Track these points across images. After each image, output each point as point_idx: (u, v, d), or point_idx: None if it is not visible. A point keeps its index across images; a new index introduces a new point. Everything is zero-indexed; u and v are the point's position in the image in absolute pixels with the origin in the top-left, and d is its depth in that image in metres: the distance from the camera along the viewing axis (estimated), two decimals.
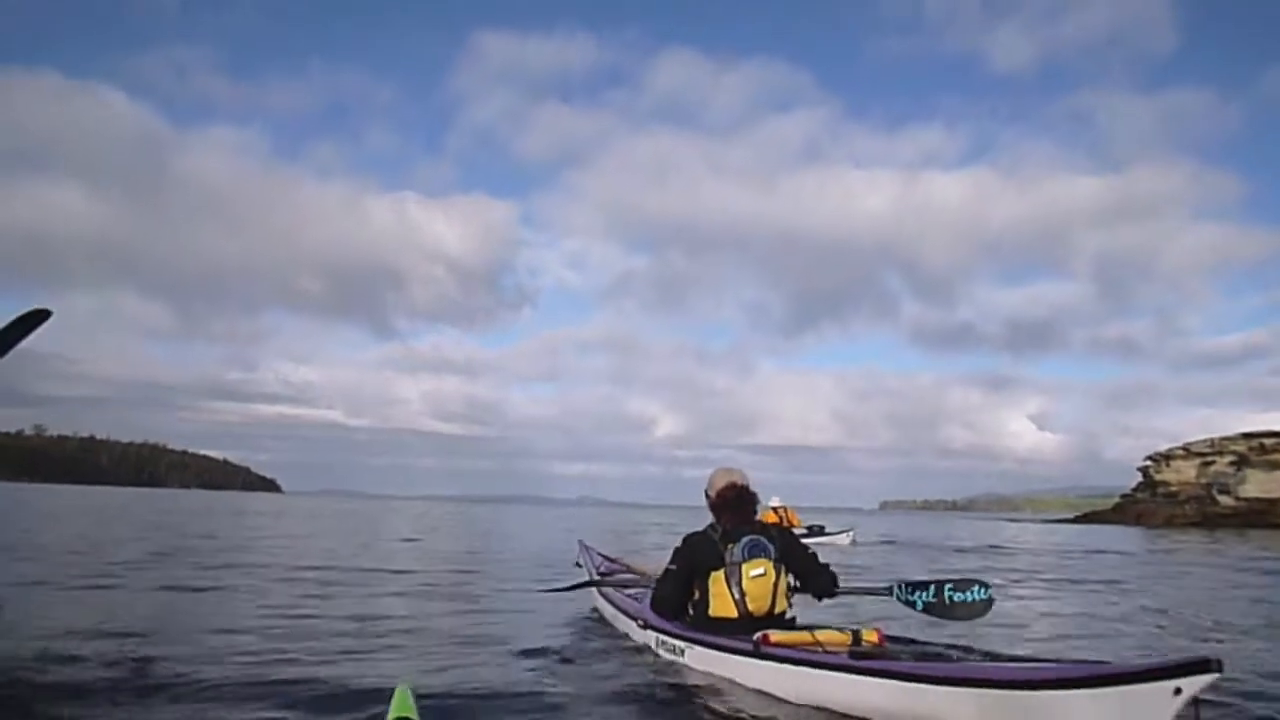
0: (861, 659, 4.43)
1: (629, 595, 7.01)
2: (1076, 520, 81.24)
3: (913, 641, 5.20)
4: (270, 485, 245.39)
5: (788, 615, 5.40)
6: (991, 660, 4.64)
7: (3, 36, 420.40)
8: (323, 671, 5.15)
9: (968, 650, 5.03)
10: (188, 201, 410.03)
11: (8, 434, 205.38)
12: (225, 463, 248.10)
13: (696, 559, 5.40)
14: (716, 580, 5.29)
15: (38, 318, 5.98)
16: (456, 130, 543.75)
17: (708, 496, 5.72)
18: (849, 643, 4.81)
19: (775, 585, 5.30)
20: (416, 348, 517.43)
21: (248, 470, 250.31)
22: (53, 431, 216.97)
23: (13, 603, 7.48)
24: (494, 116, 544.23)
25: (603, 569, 8.33)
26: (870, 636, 4.91)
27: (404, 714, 2.40)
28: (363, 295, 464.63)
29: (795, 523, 22.29)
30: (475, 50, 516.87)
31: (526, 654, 6.07)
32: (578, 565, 9.03)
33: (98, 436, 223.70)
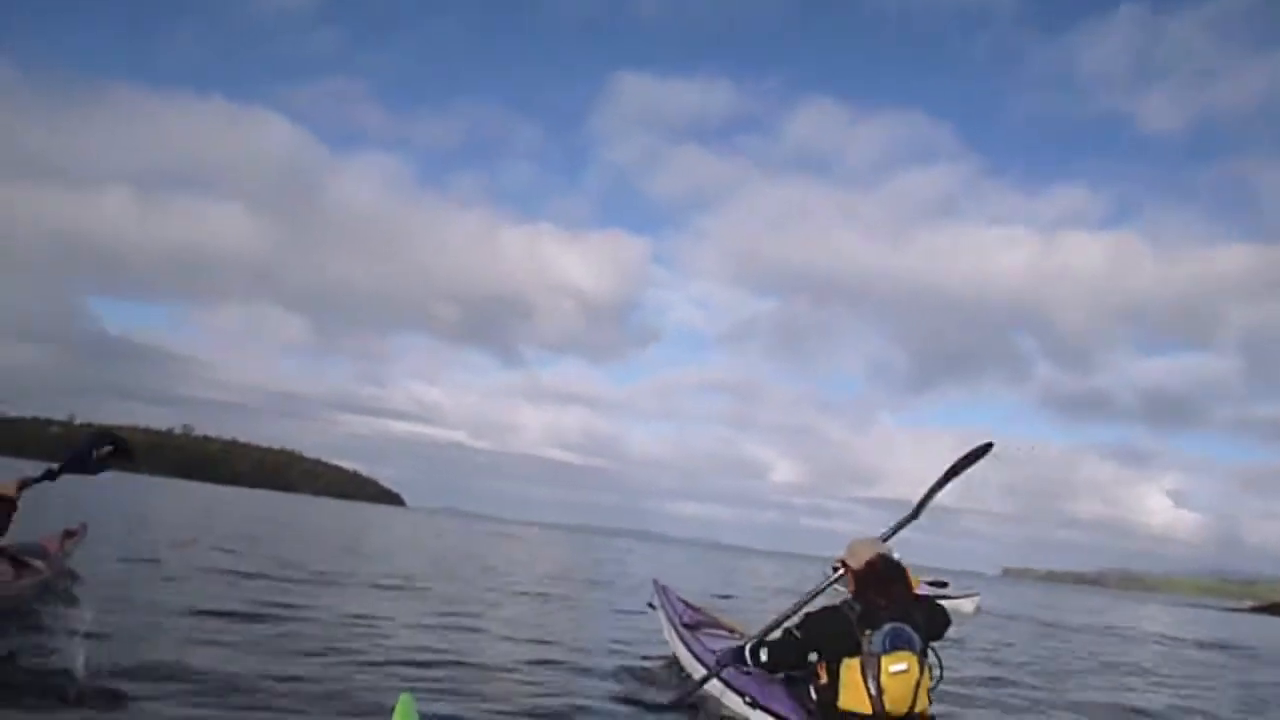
0: None
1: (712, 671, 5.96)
2: (1255, 610, 74.65)
3: None
4: (395, 499, 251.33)
5: (928, 715, 4.68)
6: None
7: (177, 65, 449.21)
8: (357, 680, 5.01)
9: None
10: (335, 222, 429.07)
11: (159, 432, 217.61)
12: (354, 474, 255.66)
13: (825, 638, 4.74)
14: (850, 669, 4.58)
15: (122, 455, 6.67)
16: (594, 167, 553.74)
17: (847, 567, 5.06)
18: None
19: (918, 683, 4.56)
20: (541, 377, 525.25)
21: (375, 483, 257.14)
22: (199, 432, 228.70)
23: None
24: (631, 155, 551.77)
25: (685, 618, 7.43)
26: None
27: None
28: (493, 323, 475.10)
29: (913, 582, 21.13)
30: (616, 91, 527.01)
31: (585, 688, 5.80)
32: (651, 607, 8.17)
33: (239, 440, 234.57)
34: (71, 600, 6.99)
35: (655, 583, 8.59)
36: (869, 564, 4.90)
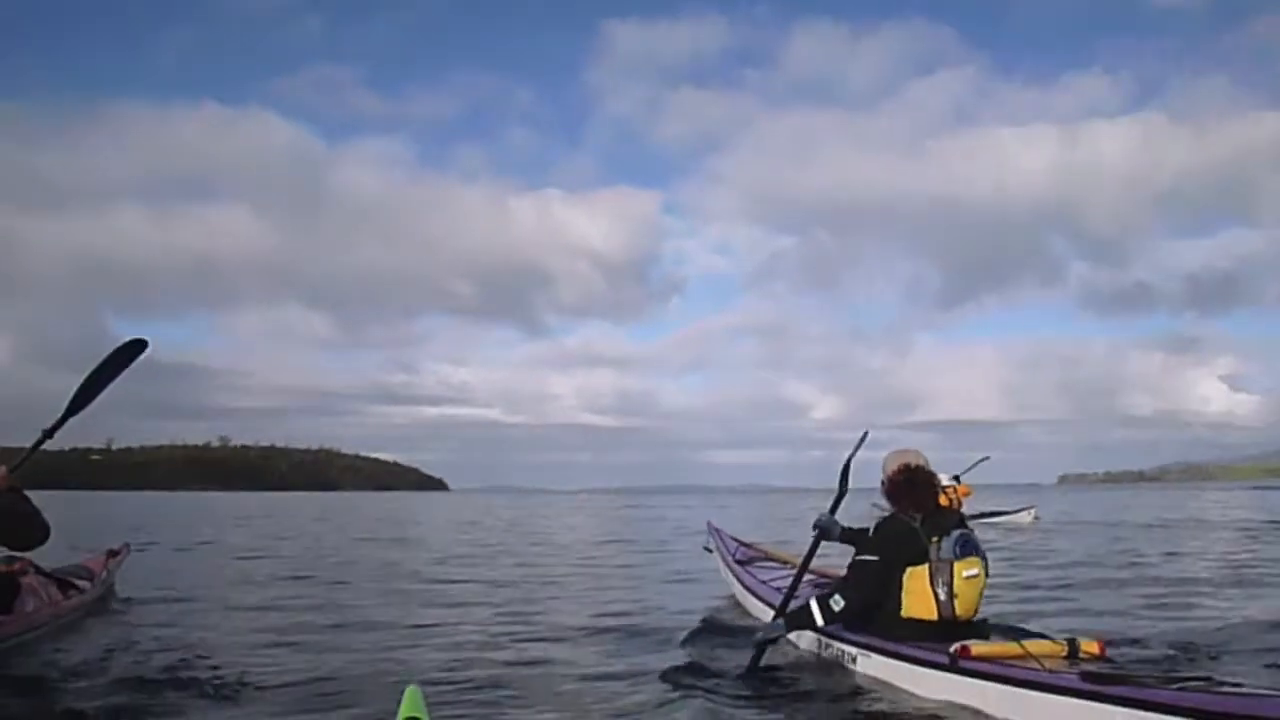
0: (1093, 680, 3.52)
1: (774, 587, 6.08)
2: None
3: (1129, 663, 4.23)
4: (438, 484, 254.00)
5: (978, 620, 4.61)
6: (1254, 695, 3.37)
7: (165, 74, 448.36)
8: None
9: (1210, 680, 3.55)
10: (343, 214, 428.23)
11: (197, 446, 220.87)
12: (395, 464, 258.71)
13: (894, 550, 4.58)
14: (916, 577, 4.49)
15: (135, 349, 5.89)
16: (594, 124, 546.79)
17: (882, 483, 4.91)
18: (1064, 654, 4.00)
19: (983, 588, 4.58)
20: (567, 343, 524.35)
21: (416, 470, 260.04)
22: (235, 442, 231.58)
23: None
24: (630, 107, 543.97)
25: (738, 555, 7.50)
26: (1090, 648, 4.08)
27: (414, 714, 2.26)
28: (512, 294, 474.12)
29: (964, 490, 20.91)
30: (606, 43, 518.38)
31: (657, 645, 5.69)
32: (707, 550, 8.25)
33: (277, 444, 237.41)
34: (115, 619, 7.01)
35: (709, 524, 8.70)
36: (893, 475, 4.80)
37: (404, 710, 2.29)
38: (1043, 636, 4.32)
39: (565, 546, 16.67)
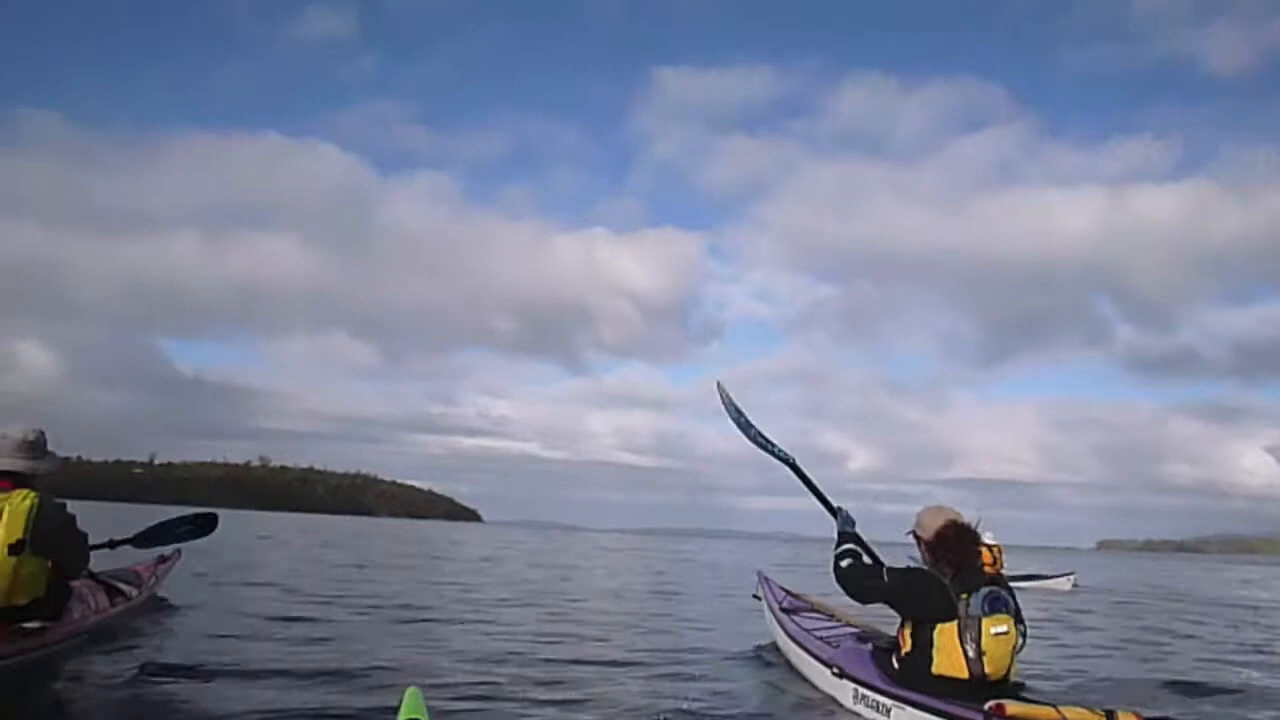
0: None
1: (817, 637, 6.24)
2: None
3: None
4: (471, 515, 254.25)
5: (1013, 680, 4.58)
6: None
7: (226, 106, 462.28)
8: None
9: None
10: (391, 246, 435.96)
11: (238, 465, 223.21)
12: (430, 493, 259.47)
13: (916, 597, 4.65)
14: (946, 633, 4.49)
15: (207, 523, 6.76)
16: (641, 166, 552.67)
17: (919, 539, 4.93)
18: None
19: (1014, 648, 4.53)
20: (607, 382, 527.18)
21: (450, 500, 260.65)
22: (275, 463, 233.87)
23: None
24: (678, 151, 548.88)
25: (785, 604, 7.62)
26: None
27: (414, 715, 2.35)
28: (553, 331, 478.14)
29: (995, 558, 20.57)
30: (656, 88, 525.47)
31: (693, 683, 5.71)
32: (755, 598, 8.42)
33: (315, 467, 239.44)
34: (158, 623, 7.20)
35: (760, 574, 8.83)
36: (940, 531, 4.78)
37: (405, 711, 2.39)
38: (1080, 705, 4.27)
39: (607, 588, 16.63)
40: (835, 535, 5.42)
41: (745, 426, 6.20)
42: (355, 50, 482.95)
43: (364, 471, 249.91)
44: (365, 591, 11.90)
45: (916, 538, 4.98)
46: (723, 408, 6.38)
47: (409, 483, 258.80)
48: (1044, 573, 22.80)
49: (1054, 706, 4.10)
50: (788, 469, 6.01)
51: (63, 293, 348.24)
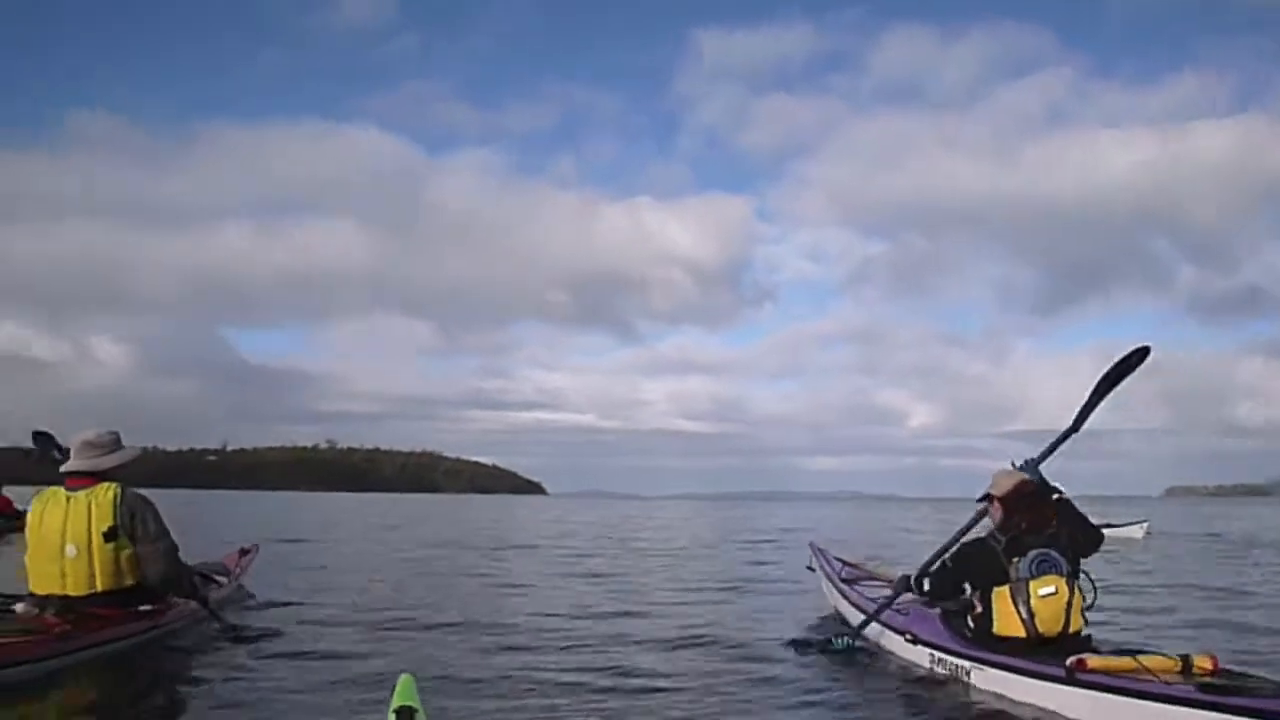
0: (1210, 691, 3.62)
1: (882, 605, 6.26)
2: None
3: (1246, 676, 4.15)
4: (536, 488, 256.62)
5: (1083, 634, 4.75)
6: None
7: (269, 94, 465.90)
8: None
9: None
10: (440, 224, 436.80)
11: (305, 448, 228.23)
12: (494, 468, 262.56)
13: (975, 570, 4.94)
14: (1001, 597, 4.74)
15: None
16: (684, 131, 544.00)
17: (991, 500, 5.13)
18: (1178, 669, 4.05)
19: (1069, 604, 4.67)
20: (660, 349, 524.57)
21: (514, 474, 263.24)
22: (342, 444, 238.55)
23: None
24: (719, 115, 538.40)
25: (843, 574, 7.70)
26: (1203, 663, 4.11)
27: (407, 702, 2.35)
28: (604, 301, 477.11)
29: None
30: (694, 51, 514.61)
31: (764, 659, 5.78)
32: (810, 570, 8.43)
33: (380, 448, 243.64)
34: (252, 609, 7.59)
35: (812, 545, 8.86)
36: (1011, 492, 5.02)
37: (397, 698, 2.40)
38: (1155, 652, 4.34)
39: (670, 552, 16.84)
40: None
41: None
42: (390, 32, 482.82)
43: (428, 449, 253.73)
44: (450, 569, 12.21)
45: (990, 497, 5.15)
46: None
47: (473, 459, 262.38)
48: (1115, 521, 22.56)
49: (1132, 655, 4.20)
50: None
51: (128, 287, 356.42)
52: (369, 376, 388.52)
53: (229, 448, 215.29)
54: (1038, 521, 4.88)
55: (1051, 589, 4.65)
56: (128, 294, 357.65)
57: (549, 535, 23.21)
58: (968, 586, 5.03)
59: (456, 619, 7.33)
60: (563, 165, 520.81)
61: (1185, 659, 4.11)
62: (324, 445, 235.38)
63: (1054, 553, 4.75)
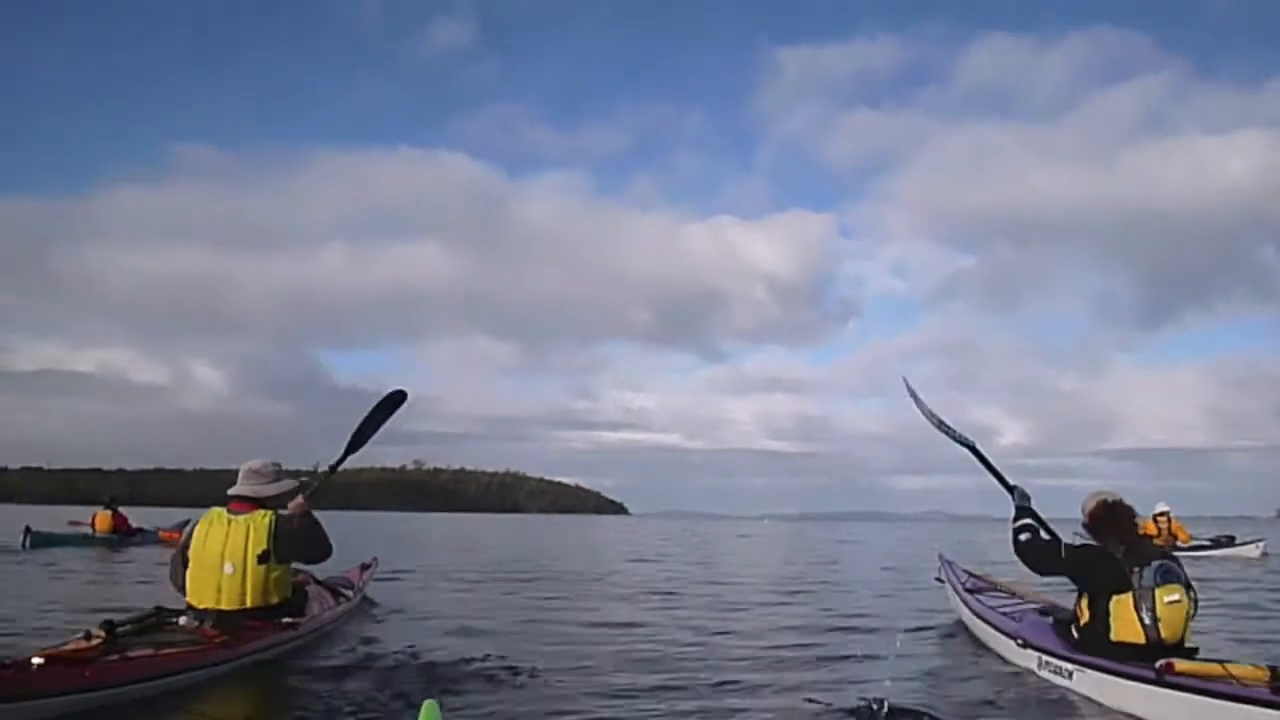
0: None
1: (1001, 613, 6.75)
2: None
3: None
4: (619, 508, 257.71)
5: (1187, 645, 4.99)
6: None
7: (366, 125, 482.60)
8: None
9: None
10: (525, 245, 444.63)
11: (394, 469, 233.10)
12: (577, 488, 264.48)
13: (1093, 572, 5.14)
14: (1122, 604, 4.96)
15: (397, 400, 7.02)
16: (765, 148, 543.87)
17: (1083, 520, 5.45)
18: (1266, 679, 4.22)
19: (1187, 614, 4.95)
20: (744, 368, 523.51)
21: (597, 494, 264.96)
22: (429, 465, 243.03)
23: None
24: (801, 131, 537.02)
25: (968, 585, 8.08)
26: None
27: None
28: (688, 320, 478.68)
29: (1184, 538, 19.92)
30: (775, 67, 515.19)
31: (887, 665, 5.88)
32: (938, 580, 8.81)
33: (466, 468, 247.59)
34: (377, 622, 8.03)
35: (940, 556, 9.31)
36: (1091, 512, 5.31)
37: None
38: (1249, 664, 4.50)
39: (778, 574, 16.92)
40: (1013, 511, 5.79)
41: (930, 415, 6.56)
42: (474, 58, 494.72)
43: (512, 470, 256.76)
44: (542, 590, 12.51)
45: (1084, 524, 5.43)
46: (909, 398, 6.77)
47: (556, 479, 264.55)
48: (1232, 538, 21.95)
49: (1221, 663, 4.40)
50: (968, 451, 6.27)
51: (225, 311, 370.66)
52: (456, 397, 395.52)
53: (322, 469, 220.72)
54: (1125, 535, 5.13)
55: (1176, 597, 4.89)
56: (225, 317, 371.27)
57: (686, 559, 23.35)
58: (1074, 590, 5.29)
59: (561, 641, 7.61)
60: (643, 184, 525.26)
61: (1274, 669, 4.26)
62: (411, 466, 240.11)
63: (1174, 564, 5.01)
